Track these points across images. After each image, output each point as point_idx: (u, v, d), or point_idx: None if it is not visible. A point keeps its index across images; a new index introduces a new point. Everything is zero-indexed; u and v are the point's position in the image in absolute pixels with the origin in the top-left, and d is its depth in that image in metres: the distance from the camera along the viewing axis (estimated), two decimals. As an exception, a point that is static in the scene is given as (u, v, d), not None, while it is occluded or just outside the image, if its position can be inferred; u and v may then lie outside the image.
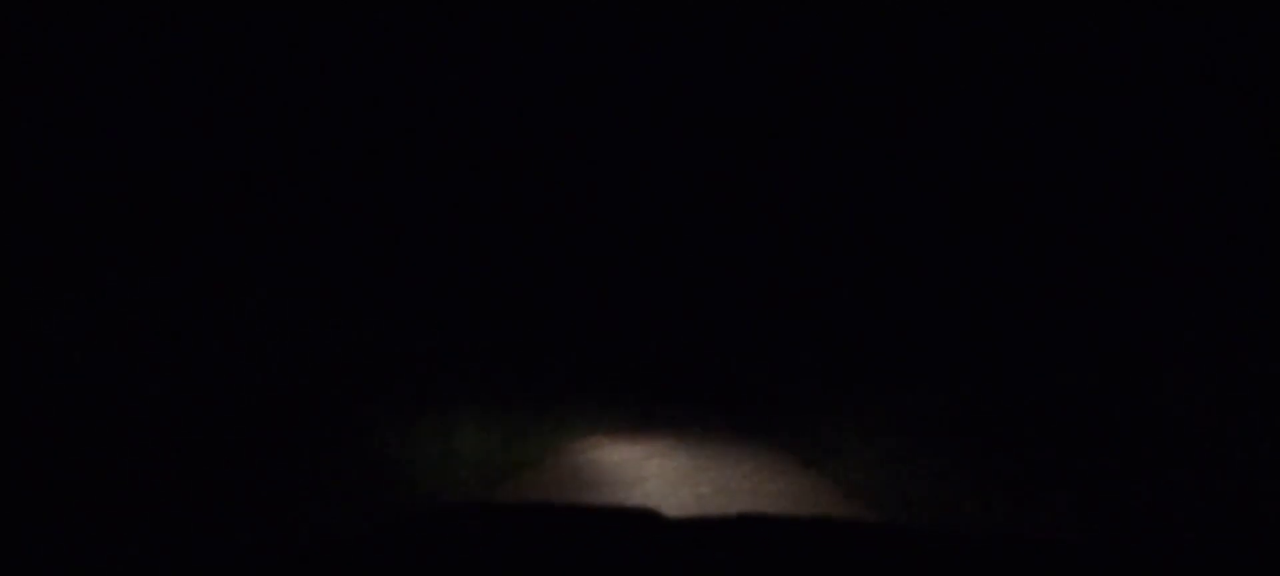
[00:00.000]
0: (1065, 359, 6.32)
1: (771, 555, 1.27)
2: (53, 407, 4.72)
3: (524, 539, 1.43)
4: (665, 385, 15.06)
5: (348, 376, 7.67)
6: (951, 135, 10.20)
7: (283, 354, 7.12)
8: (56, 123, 5.41)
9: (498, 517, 1.69)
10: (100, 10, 5.61)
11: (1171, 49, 6.63)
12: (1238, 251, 5.46)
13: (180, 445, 5.10)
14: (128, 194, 5.90)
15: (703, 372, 16.47)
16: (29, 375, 4.79)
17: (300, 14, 7.40)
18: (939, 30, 10.26)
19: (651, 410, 11.32)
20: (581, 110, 16.41)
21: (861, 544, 1.39)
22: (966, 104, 9.83)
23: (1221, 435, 4.36)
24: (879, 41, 11.78)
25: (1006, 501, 4.91)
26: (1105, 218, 6.96)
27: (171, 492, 4.49)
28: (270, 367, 6.81)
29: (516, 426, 8.17)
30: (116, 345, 5.45)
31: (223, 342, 6.48)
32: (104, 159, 5.75)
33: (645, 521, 1.47)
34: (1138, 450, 4.69)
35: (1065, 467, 4.96)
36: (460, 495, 5.79)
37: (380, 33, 9.38)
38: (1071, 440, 5.23)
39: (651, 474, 6.71)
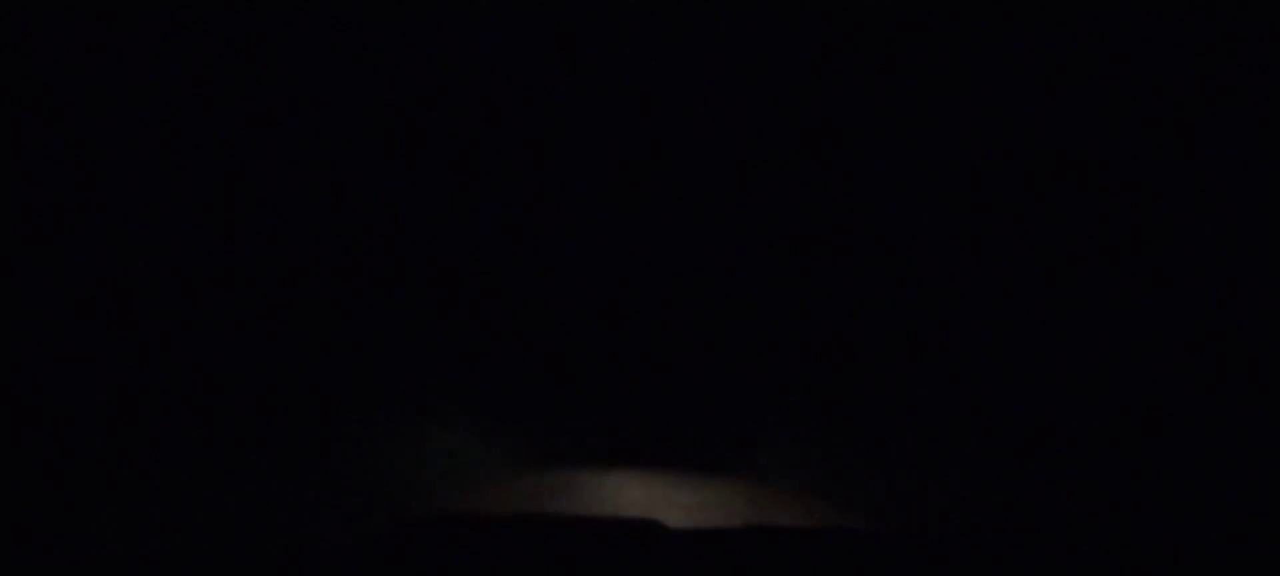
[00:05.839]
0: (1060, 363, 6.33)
1: (774, 566, 1.28)
2: (49, 408, 4.70)
3: (528, 548, 1.44)
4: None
5: (341, 382, 7.65)
6: (935, 136, 10.16)
7: (280, 356, 7.11)
8: (54, 121, 5.39)
9: (502, 527, 1.69)
10: (99, 9, 5.58)
11: (1163, 48, 6.63)
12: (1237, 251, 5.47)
13: (178, 448, 5.08)
14: (125, 193, 5.89)
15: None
16: (24, 376, 4.78)
17: (302, 12, 7.36)
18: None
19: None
20: (583, 114, 16.34)
21: (864, 554, 1.40)
22: (958, 107, 9.80)
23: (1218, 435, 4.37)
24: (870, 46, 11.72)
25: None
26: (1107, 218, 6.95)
27: (168, 495, 4.48)
28: (268, 370, 6.79)
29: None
30: (115, 346, 5.44)
31: (220, 346, 6.46)
32: (101, 157, 5.73)
33: (648, 532, 1.48)
34: (1134, 454, 4.71)
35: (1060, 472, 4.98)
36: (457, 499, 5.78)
37: (385, 31, 9.35)
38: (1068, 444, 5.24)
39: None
